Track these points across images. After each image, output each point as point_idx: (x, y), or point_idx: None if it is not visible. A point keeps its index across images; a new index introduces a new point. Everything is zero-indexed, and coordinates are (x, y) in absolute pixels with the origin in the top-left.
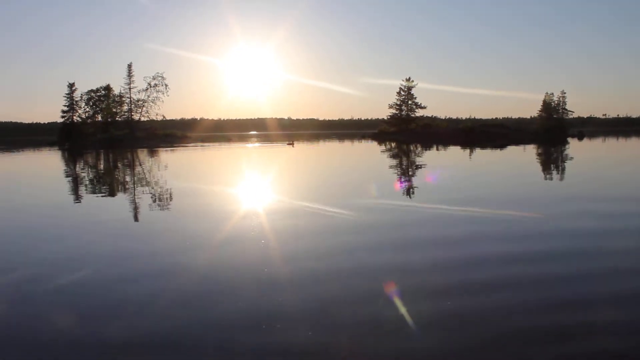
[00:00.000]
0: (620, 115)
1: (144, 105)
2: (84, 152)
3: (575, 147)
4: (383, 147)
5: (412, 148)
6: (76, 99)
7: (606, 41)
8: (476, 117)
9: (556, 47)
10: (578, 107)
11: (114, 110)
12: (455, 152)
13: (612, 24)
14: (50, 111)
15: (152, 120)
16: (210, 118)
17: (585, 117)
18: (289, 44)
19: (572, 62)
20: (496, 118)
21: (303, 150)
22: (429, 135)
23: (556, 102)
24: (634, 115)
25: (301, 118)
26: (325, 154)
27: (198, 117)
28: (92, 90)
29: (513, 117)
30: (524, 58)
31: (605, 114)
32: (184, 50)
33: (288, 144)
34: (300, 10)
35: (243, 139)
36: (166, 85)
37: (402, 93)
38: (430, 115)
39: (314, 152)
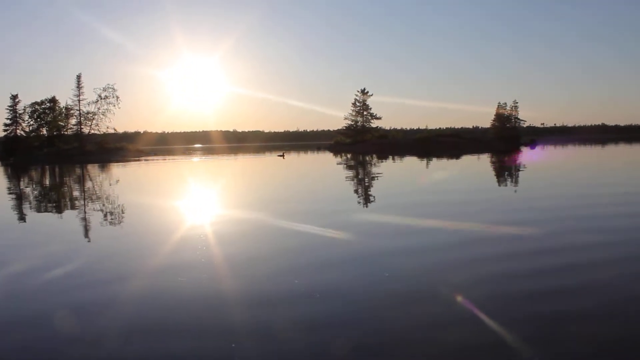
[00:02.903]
0: (557, 124)
1: (93, 118)
2: (30, 167)
3: (532, 156)
4: (339, 158)
5: (368, 159)
6: (19, 112)
7: (552, 55)
8: (430, 127)
9: (504, 60)
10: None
11: (61, 123)
12: (413, 162)
13: (559, 38)
14: None
15: (103, 134)
16: (154, 131)
17: (524, 126)
18: (234, 56)
19: (516, 74)
20: (445, 127)
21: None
22: (385, 146)
23: (509, 111)
24: (570, 124)
25: (247, 130)
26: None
27: (141, 130)
28: (36, 103)
29: (467, 126)
30: (475, 70)
31: (543, 123)
32: (128, 62)
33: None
34: (246, 24)
35: (197, 150)
36: (117, 97)
37: (358, 104)
38: (378, 126)
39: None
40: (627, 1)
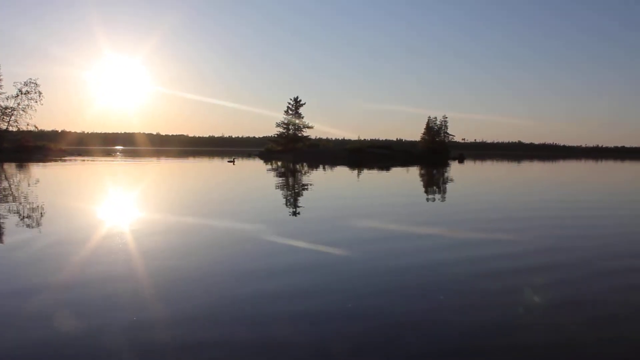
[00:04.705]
0: (477, 140)
1: (12, 114)
2: None
3: (465, 169)
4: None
5: (299, 167)
6: None
7: (474, 73)
8: (362, 138)
9: (429, 75)
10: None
11: None
12: (344, 172)
13: (480, 58)
14: None
15: (20, 131)
16: (73, 131)
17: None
18: (158, 57)
19: (440, 89)
20: (370, 139)
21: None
22: (316, 155)
23: (438, 125)
24: (489, 141)
25: (170, 134)
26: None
27: (59, 130)
28: None
29: (391, 138)
30: (402, 82)
31: (464, 139)
32: (47, 62)
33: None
34: (169, 24)
35: (120, 152)
36: (40, 93)
37: (290, 112)
38: (308, 135)
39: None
40: (543, 25)
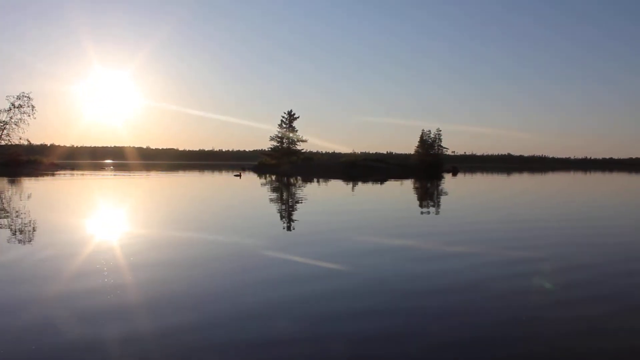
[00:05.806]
0: (467, 153)
1: (4, 128)
2: None
3: (460, 182)
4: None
5: (293, 181)
6: None
7: (463, 85)
8: (354, 151)
9: (421, 87)
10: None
11: None
12: (339, 186)
13: (469, 71)
14: None
15: (14, 145)
16: (63, 144)
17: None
18: (148, 70)
19: (432, 100)
20: (360, 152)
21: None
22: (310, 169)
23: (432, 138)
24: (478, 153)
25: (160, 147)
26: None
27: (48, 143)
28: None
29: (381, 151)
30: (395, 93)
31: (454, 151)
32: (35, 77)
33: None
34: (158, 38)
35: (112, 166)
36: (33, 107)
37: (284, 125)
38: (302, 149)
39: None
40: (533, 39)
